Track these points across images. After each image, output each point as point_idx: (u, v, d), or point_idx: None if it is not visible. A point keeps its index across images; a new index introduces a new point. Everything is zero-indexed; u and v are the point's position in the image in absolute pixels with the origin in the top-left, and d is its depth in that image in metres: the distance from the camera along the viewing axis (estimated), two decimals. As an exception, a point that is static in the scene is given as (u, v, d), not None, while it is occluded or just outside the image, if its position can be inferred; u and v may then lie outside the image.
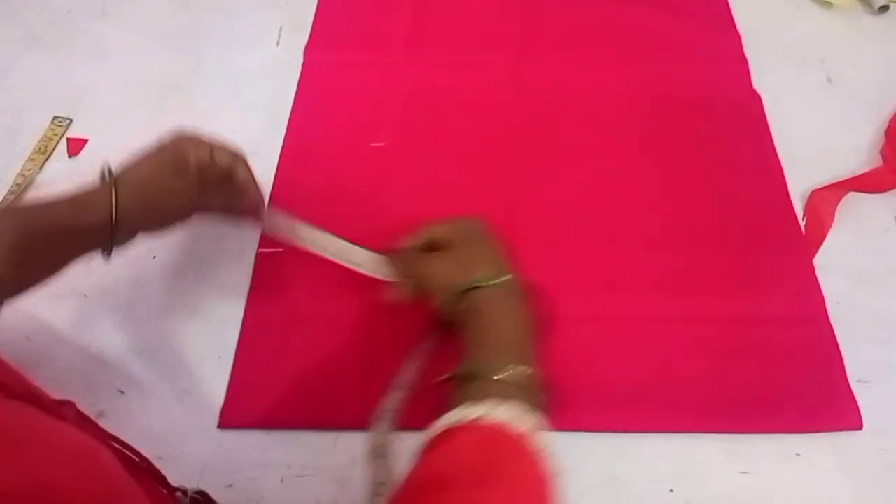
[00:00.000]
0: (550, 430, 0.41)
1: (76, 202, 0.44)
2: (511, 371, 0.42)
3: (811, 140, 0.64)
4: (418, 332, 0.51)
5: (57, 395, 0.36)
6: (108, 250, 0.45)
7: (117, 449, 0.39)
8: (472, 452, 0.38)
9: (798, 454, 0.48)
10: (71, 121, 0.67)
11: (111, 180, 0.45)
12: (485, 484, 0.36)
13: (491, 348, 0.44)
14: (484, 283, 0.47)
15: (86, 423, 0.38)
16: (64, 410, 0.36)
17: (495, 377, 0.42)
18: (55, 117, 0.67)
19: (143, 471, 0.40)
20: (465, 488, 0.35)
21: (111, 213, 0.44)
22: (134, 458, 0.39)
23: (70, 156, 0.65)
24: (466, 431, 0.39)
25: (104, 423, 0.50)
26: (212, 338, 0.53)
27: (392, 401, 0.48)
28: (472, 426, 0.39)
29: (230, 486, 0.46)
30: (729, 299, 0.54)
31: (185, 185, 0.47)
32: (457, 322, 0.47)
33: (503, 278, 0.47)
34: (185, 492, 0.42)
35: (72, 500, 0.22)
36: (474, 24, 0.72)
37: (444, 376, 0.44)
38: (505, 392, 0.41)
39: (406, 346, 0.52)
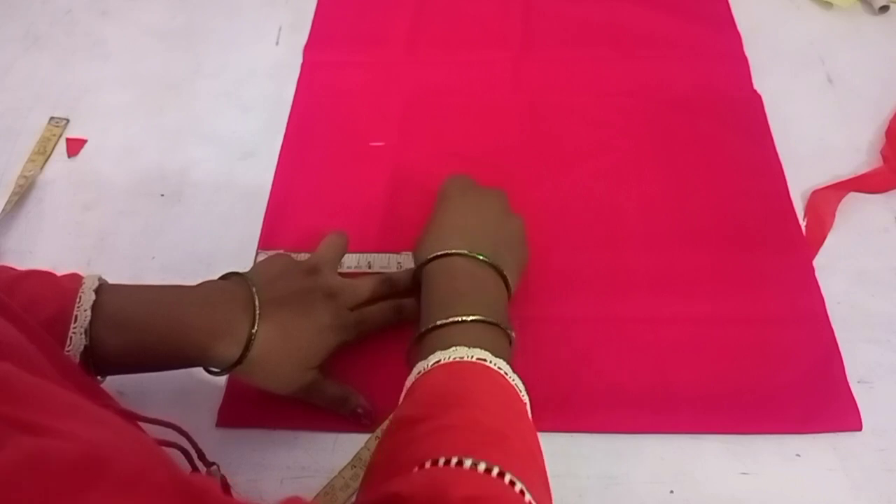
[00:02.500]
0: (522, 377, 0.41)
1: (213, 326, 0.43)
2: (468, 317, 0.42)
3: (811, 140, 0.63)
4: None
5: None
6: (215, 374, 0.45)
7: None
8: (434, 386, 0.38)
9: (798, 454, 0.48)
10: (68, 121, 0.67)
11: (255, 320, 0.44)
12: (447, 409, 0.36)
13: (446, 302, 0.44)
14: (443, 254, 0.47)
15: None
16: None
17: (451, 320, 0.42)
18: (52, 118, 0.67)
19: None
20: (430, 419, 0.35)
21: (239, 355, 0.43)
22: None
23: (70, 156, 0.65)
24: (430, 373, 0.39)
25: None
26: (211, 338, 0.53)
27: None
28: (435, 367, 0.39)
29: (230, 486, 0.46)
30: (729, 299, 0.54)
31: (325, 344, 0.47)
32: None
33: (473, 252, 0.46)
34: (218, 467, 0.43)
35: (125, 461, 0.22)
36: (474, 24, 0.72)
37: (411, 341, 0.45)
38: (466, 337, 0.41)
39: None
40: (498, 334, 0.43)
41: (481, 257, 0.46)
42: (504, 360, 0.40)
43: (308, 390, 0.47)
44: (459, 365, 0.39)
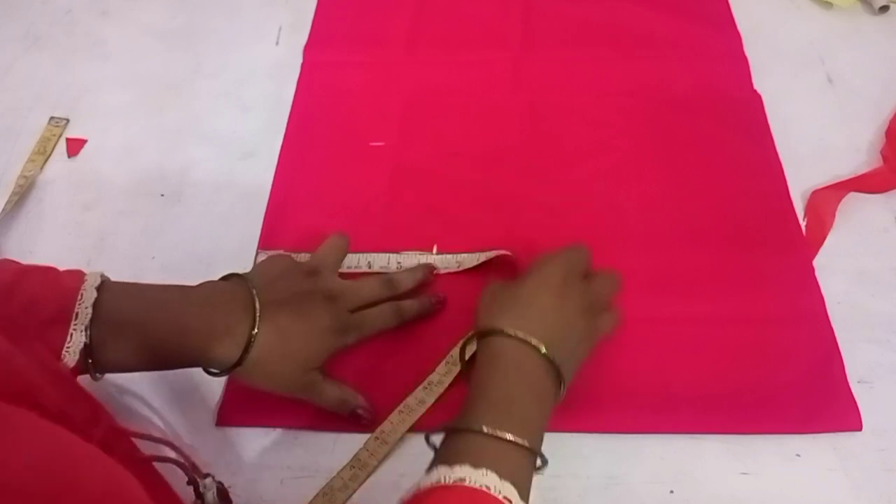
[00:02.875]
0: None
1: (213, 327, 0.43)
2: (506, 435, 0.38)
3: (811, 140, 0.63)
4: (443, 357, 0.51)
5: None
6: (214, 374, 0.45)
7: (145, 462, 0.39)
8: None
9: (798, 454, 0.48)
10: (68, 121, 0.67)
11: (255, 323, 0.43)
12: None
13: (500, 403, 0.40)
14: (506, 332, 0.42)
15: (115, 443, 0.38)
16: (92, 431, 0.36)
17: (487, 431, 0.38)
18: (52, 118, 0.67)
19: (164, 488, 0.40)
20: None
21: (239, 357, 0.43)
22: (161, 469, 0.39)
23: (70, 156, 0.65)
24: (448, 493, 0.36)
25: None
26: (211, 338, 0.53)
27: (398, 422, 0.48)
28: (454, 487, 0.35)
29: (229, 487, 0.46)
30: (729, 299, 0.54)
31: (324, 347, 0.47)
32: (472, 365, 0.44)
33: (531, 340, 0.41)
34: (213, 478, 0.43)
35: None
36: (474, 24, 0.72)
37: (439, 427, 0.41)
38: (495, 456, 0.37)
39: (409, 347, 0.52)
40: (531, 464, 0.39)
41: (555, 361, 0.42)
42: (526, 496, 0.37)
43: (308, 391, 0.47)
44: (481, 496, 0.35)
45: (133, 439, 0.40)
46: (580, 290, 0.46)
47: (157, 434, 0.43)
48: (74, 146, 0.65)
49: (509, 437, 0.38)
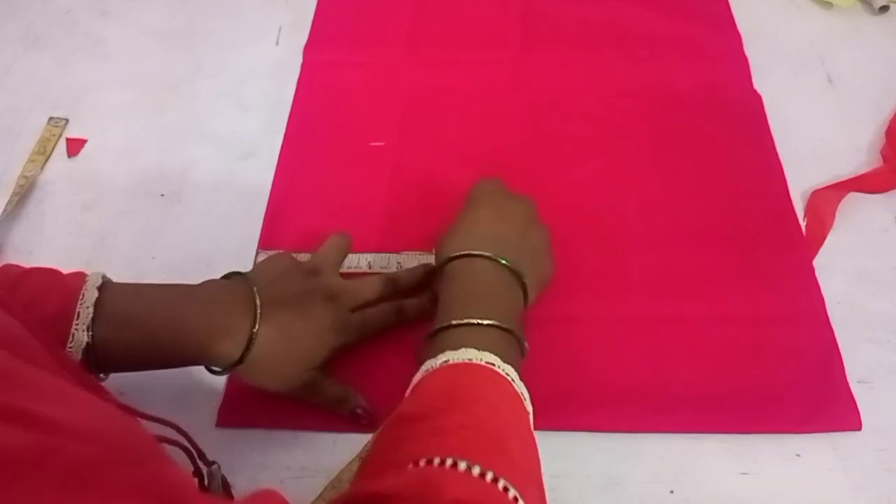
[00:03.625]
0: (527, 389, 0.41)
1: (214, 325, 0.43)
2: (483, 320, 0.42)
3: (811, 140, 0.63)
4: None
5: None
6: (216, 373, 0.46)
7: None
8: (439, 385, 0.38)
9: (798, 454, 0.48)
10: (67, 121, 0.67)
11: (256, 319, 0.44)
12: (449, 409, 0.36)
13: (463, 302, 0.44)
14: (457, 255, 0.46)
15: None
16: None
17: (466, 321, 0.42)
18: (51, 118, 0.67)
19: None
20: (431, 417, 0.35)
21: (240, 355, 0.44)
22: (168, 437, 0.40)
23: (70, 156, 0.65)
24: (437, 371, 0.39)
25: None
26: (211, 338, 0.53)
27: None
28: (443, 367, 0.39)
29: (230, 486, 0.46)
30: (729, 299, 0.54)
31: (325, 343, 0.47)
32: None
33: (496, 256, 0.46)
34: (219, 466, 0.43)
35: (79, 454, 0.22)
36: (474, 24, 0.72)
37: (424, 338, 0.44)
38: (478, 340, 0.40)
39: (409, 347, 0.52)
40: (510, 341, 0.43)
41: (504, 262, 0.46)
42: (513, 367, 0.40)
43: (308, 390, 0.47)
44: (467, 366, 0.39)
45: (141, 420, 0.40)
46: (505, 205, 0.50)
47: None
48: (74, 146, 0.65)
49: (483, 321, 0.42)
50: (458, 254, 0.46)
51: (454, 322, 0.42)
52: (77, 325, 0.40)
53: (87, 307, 0.41)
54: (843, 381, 0.50)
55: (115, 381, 0.51)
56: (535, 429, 0.48)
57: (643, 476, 0.47)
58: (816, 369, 0.51)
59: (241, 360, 0.43)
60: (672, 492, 0.47)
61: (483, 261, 0.46)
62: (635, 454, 0.48)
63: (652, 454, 0.48)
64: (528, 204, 0.52)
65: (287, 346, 0.45)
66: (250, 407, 0.50)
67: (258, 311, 0.44)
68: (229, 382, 0.51)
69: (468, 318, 0.42)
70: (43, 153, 0.65)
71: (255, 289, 0.45)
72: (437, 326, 0.43)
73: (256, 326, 0.43)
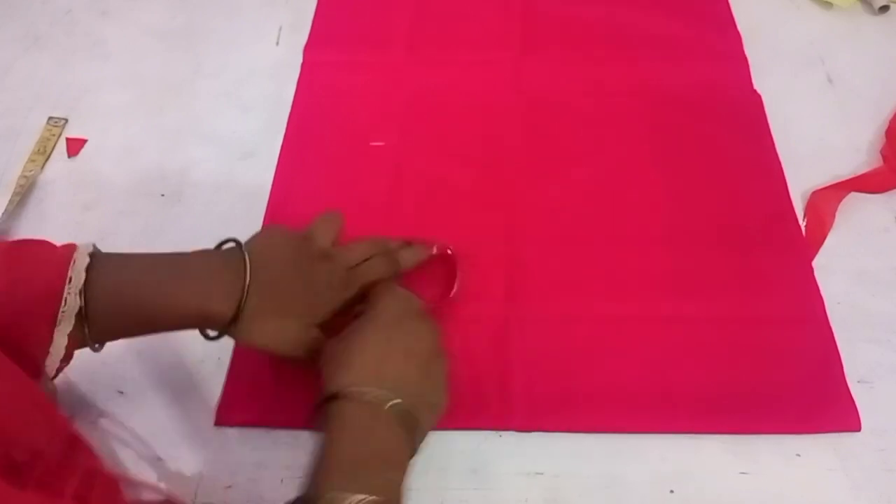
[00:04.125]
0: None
1: (208, 284, 0.43)
2: (368, 496, 0.36)
3: (811, 140, 0.64)
4: None
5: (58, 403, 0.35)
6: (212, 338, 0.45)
7: None
8: None
9: (798, 454, 0.48)
10: (67, 121, 0.67)
11: (247, 277, 0.43)
12: None
13: (347, 470, 0.39)
14: (352, 394, 0.41)
15: (92, 488, 0.36)
16: (66, 476, 0.34)
17: (349, 501, 0.36)
18: (50, 118, 0.67)
19: None
20: None
21: (234, 312, 0.43)
22: None
23: (70, 156, 0.65)
24: None
25: (104, 425, 0.50)
26: (211, 338, 0.53)
27: None
28: None
29: (230, 486, 0.46)
30: (729, 299, 0.54)
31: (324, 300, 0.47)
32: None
33: (387, 398, 0.40)
34: None
35: None
36: (474, 24, 0.72)
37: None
38: None
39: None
40: None
41: (401, 408, 0.41)
42: None
43: (313, 351, 0.46)
44: None
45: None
46: (423, 333, 0.46)
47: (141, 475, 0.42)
48: (74, 146, 0.65)
49: (368, 498, 0.36)
50: (350, 389, 0.41)
51: (339, 496, 0.37)
52: (69, 289, 0.40)
53: (79, 271, 0.40)
54: (843, 381, 0.50)
55: (115, 381, 0.51)
56: (536, 429, 0.48)
57: (643, 476, 0.47)
58: (816, 369, 0.51)
59: (235, 318, 0.43)
60: (672, 492, 0.47)
61: (376, 408, 0.41)
62: (635, 454, 0.48)
63: (652, 454, 0.48)
64: (434, 330, 0.47)
65: (282, 300, 0.45)
66: (249, 406, 0.50)
67: (247, 265, 0.44)
68: (228, 381, 0.51)
69: (353, 491, 0.37)
70: (43, 153, 0.65)
71: (245, 250, 0.45)
72: (314, 490, 0.38)
73: (247, 279, 0.43)
